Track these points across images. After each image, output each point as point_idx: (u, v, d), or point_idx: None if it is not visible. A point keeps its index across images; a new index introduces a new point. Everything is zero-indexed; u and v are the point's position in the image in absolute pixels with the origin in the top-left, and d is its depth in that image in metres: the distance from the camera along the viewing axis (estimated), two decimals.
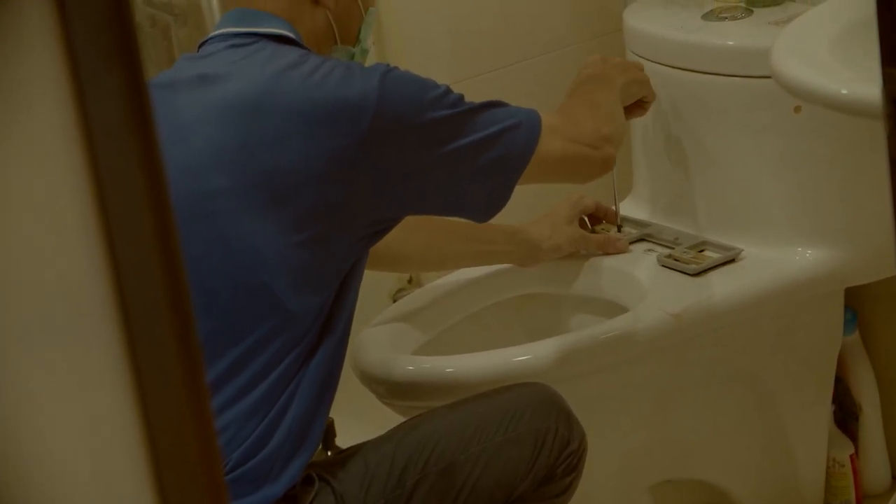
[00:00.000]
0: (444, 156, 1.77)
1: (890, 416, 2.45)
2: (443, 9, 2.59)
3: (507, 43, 2.67)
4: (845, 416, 2.46)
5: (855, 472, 2.43)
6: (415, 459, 1.84)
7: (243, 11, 1.83)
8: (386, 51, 2.54)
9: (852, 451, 2.43)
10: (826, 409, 2.38)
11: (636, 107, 2.17)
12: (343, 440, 2.07)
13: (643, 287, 2.23)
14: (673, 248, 2.31)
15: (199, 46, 1.86)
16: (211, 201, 1.73)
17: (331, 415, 1.88)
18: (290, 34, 1.80)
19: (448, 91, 1.79)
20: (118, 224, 0.68)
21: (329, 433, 2.07)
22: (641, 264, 2.30)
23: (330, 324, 1.79)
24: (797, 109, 2.17)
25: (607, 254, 2.33)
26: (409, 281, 2.66)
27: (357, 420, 2.24)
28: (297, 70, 1.73)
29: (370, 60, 2.41)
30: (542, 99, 2.70)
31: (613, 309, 2.25)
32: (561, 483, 1.92)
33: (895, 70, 0.87)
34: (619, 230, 2.39)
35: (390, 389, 2.07)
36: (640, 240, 2.37)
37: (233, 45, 1.80)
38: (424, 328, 2.25)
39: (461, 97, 1.80)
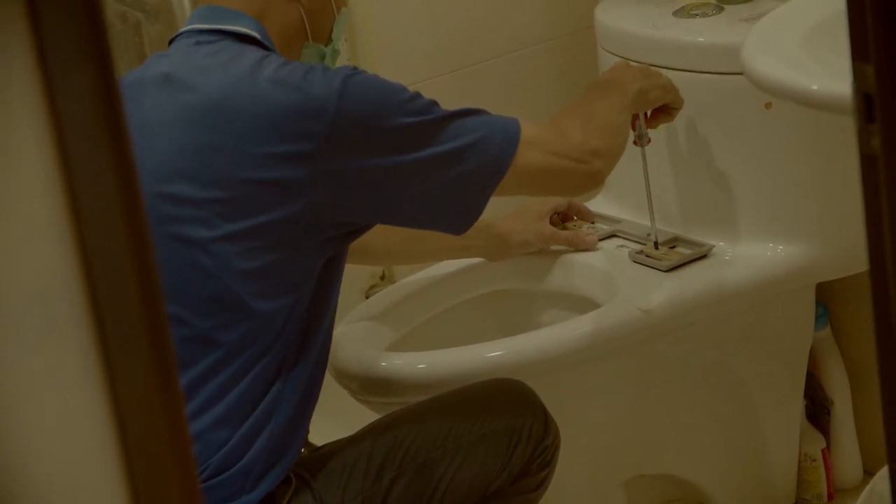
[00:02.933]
0: (409, 164, 1.73)
1: (861, 411, 2.46)
2: (417, 6, 2.59)
3: (481, 40, 2.67)
4: (817, 410, 2.47)
5: (827, 466, 2.44)
6: (392, 456, 1.84)
7: (212, 8, 1.82)
8: (360, 48, 2.54)
9: (824, 445, 2.44)
10: (798, 404, 2.39)
11: (662, 112, 2.14)
12: (316, 437, 2.06)
13: (615, 283, 2.23)
14: (645, 244, 2.31)
15: (169, 43, 1.85)
16: (173, 205, 1.72)
17: None
18: (256, 34, 1.78)
19: (416, 97, 1.75)
20: (90, 224, 0.68)
21: None
22: (613, 260, 2.30)
23: (310, 332, 1.78)
24: (768, 106, 2.18)
25: (577, 250, 2.34)
26: (382, 277, 2.66)
27: (330, 417, 2.24)
28: (256, 73, 1.71)
29: (343, 59, 2.42)
30: (515, 94, 2.71)
31: (586, 305, 2.25)
32: (536, 478, 1.93)
33: (865, 65, 0.87)
34: (592, 224, 2.40)
35: (363, 386, 2.07)
36: (612, 236, 2.38)
37: (197, 43, 1.79)
38: (397, 324, 2.25)
39: (431, 104, 1.76)
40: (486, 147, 1.78)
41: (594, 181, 1.91)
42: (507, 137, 1.80)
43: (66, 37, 0.66)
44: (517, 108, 2.68)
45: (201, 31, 1.80)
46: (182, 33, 1.83)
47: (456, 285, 2.36)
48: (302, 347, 1.77)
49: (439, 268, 2.35)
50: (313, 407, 1.83)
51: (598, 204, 2.45)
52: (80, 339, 0.71)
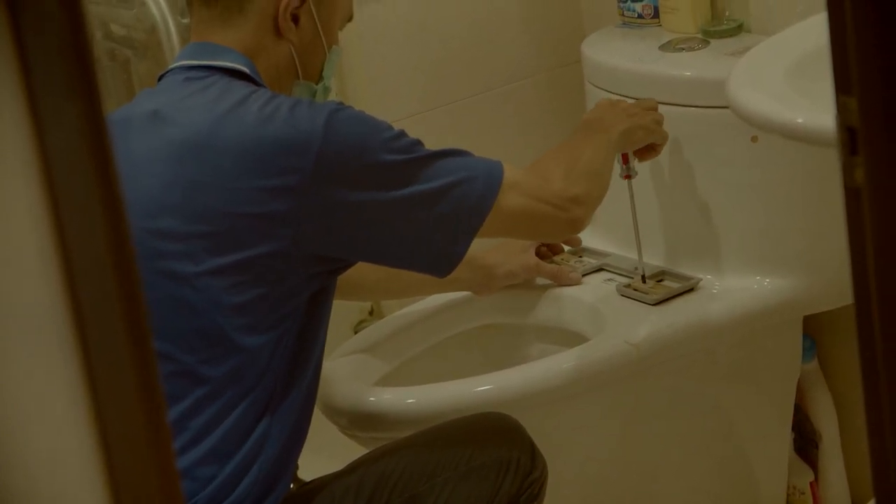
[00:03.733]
0: (391, 202, 1.73)
1: (849, 443, 2.46)
2: (405, 41, 2.60)
3: (469, 75, 2.68)
4: (805, 443, 2.47)
5: (815, 499, 2.44)
6: (379, 491, 1.84)
7: (202, 45, 1.82)
8: (348, 84, 2.55)
9: (812, 478, 2.44)
10: (786, 437, 2.39)
11: (648, 149, 2.15)
12: (305, 473, 2.06)
13: (603, 317, 2.23)
14: (632, 278, 2.32)
15: (159, 79, 1.85)
16: (160, 240, 1.72)
17: None
18: (245, 69, 1.79)
19: (401, 135, 1.76)
20: (78, 259, 0.68)
21: None
22: (601, 294, 2.31)
23: (298, 368, 1.77)
24: (754, 139, 2.19)
25: (561, 285, 2.35)
26: (371, 313, 2.66)
27: (319, 453, 2.24)
28: (243, 108, 1.71)
29: (331, 94, 2.42)
30: (504, 129, 2.72)
31: (574, 338, 2.26)
32: None
33: (848, 98, 0.88)
34: (579, 258, 2.40)
35: (352, 421, 2.07)
36: (600, 269, 2.38)
37: (187, 79, 1.79)
38: (386, 359, 2.25)
39: (415, 143, 1.77)
40: (469, 189, 1.79)
41: (573, 228, 1.93)
42: (489, 180, 1.81)
43: (53, 72, 0.66)
44: (505, 142, 2.70)
45: (191, 68, 1.80)
46: (172, 69, 1.83)
47: (444, 320, 2.36)
48: (290, 382, 1.77)
49: (427, 303, 2.35)
50: (303, 442, 1.83)
51: (585, 238, 2.45)
52: (67, 375, 0.71)
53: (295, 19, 1.82)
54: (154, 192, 1.73)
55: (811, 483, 2.44)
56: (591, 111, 2.14)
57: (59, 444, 0.73)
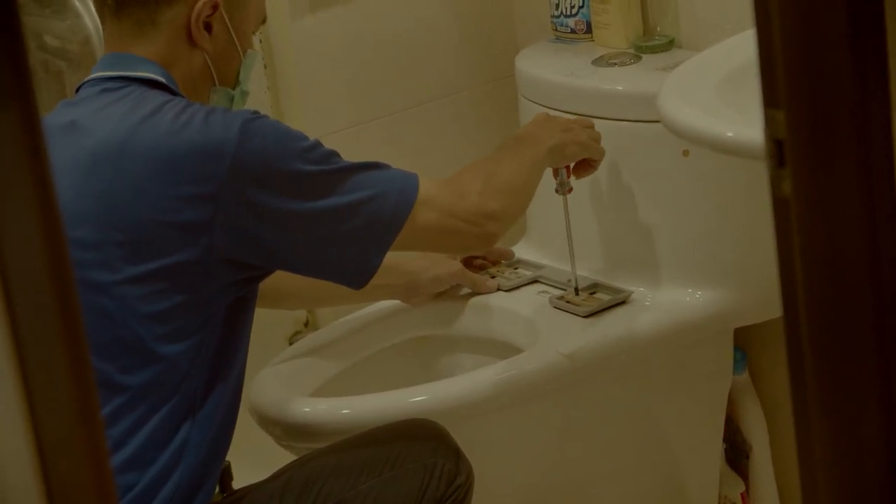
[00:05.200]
0: (304, 213, 1.74)
1: (779, 454, 2.48)
2: (340, 54, 2.60)
3: (403, 88, 2.69)
4: (736, 454, 2.50)
5: None
6: (303, 498, 1.84)
7: (117, 56, 1.82)
8: (281, 96, 2.55)
9: (743, 488, 2.46)
10: (717, 448, 2.41)
11: (585, 165, 2.17)
12: (240, 483, 2.06)
13: (536, 328, 2.25)
14: (566, 290, 2.33)
15: (77, 91, 1.85)
16: (77, 249, 1.72)
17: (227, 457, 1.87)
18: (161, 78, 1.79)
19: (317, 145, 1.77)
20: (13, 260, 0.68)
21: (226, 476, 2.06)
22: (534, 306, 2.32)
23: (219, 375, 1.78)
24: (686, 153, 2.21)
25: (477, 293, 2.36)
26: (306, 324, 2.66)
27: (254, 463, 2.23)
28: (157, 117, 1.72)
29: (265, 107, 2.42)
30: (437, 142, 2.73)
31: (508, 350, 2.27)
32: None
33: (776, 111, 0.89)
34: (514, 270, 2.42)
35: (287, 431, 2.07)
36: (534, 281, 2.40)
37: (104, 90, 1.80)
38: (321, 370, 2.26)
39: (331, 154, 1.78)
40: (382, 204, 1.79)
41: (486, 243, 1.96)
42: (403, 195, 1.82)
43: None
44: (439, 156, 2.71)
45: (107, 79, 1.81)
46: (89, 80, 1.84)
47: (380, 331, 2.37)
48: (210, 391, 1.77)
49: (362, 314, 2.36)
50: (226, 450, 1.83)
51: (520, 250, 2.47)
52: (1, 378, 0.71)
53: (208, 27, 1.82)
54: (72, 201, 1.73)
55: (742, 494, 2.46)
56: (526, 124, 2.15)
57: None
